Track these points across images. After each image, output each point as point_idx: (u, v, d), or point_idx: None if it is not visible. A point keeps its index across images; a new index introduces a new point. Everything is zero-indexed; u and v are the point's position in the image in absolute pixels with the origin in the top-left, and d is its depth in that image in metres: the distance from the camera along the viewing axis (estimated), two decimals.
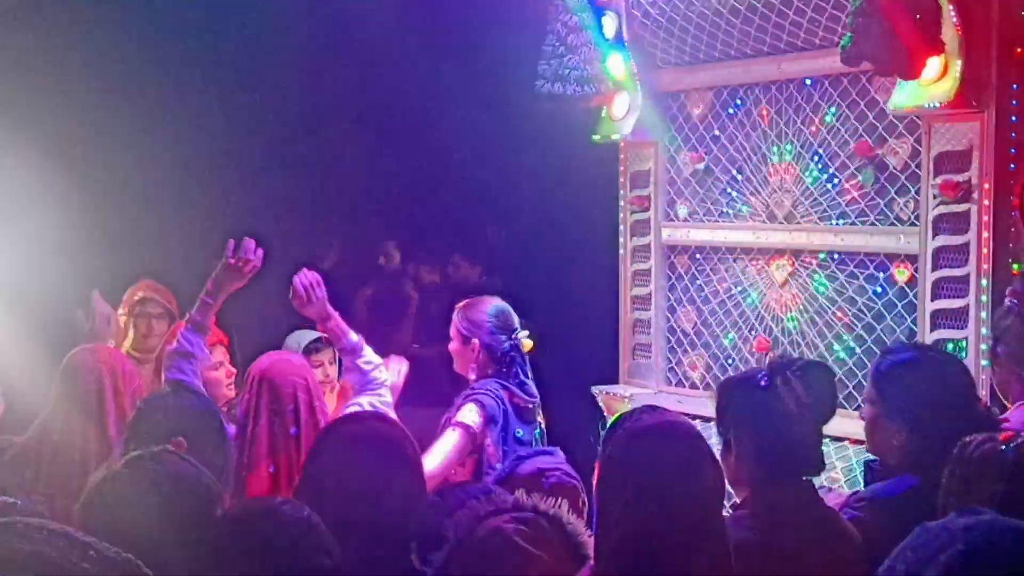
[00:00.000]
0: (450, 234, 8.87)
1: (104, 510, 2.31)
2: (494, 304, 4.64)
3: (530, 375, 4.59)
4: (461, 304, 4.67)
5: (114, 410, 3.95)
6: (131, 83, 7.58)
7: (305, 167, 8.79)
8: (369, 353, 4.41)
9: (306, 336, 4.88)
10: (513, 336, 4.56)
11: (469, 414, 4.33)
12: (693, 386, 5.69)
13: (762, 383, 2.76)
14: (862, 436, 3.40)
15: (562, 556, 2.39)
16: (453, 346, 4.63)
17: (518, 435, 4.45)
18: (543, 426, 4.62)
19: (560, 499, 2.51)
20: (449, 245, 8.81)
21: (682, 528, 2.26)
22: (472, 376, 4.56)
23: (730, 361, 5.51)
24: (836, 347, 5.10)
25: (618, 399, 5.76)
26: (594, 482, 2.43)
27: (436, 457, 4.22)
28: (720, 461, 2.82)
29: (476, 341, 4.52)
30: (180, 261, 7.42)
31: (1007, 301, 3.98)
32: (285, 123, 8.54)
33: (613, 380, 6.06)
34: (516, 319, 4.61)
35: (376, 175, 8.99)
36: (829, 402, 2.84)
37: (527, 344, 4.64)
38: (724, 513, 2.50)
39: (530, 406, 4.54)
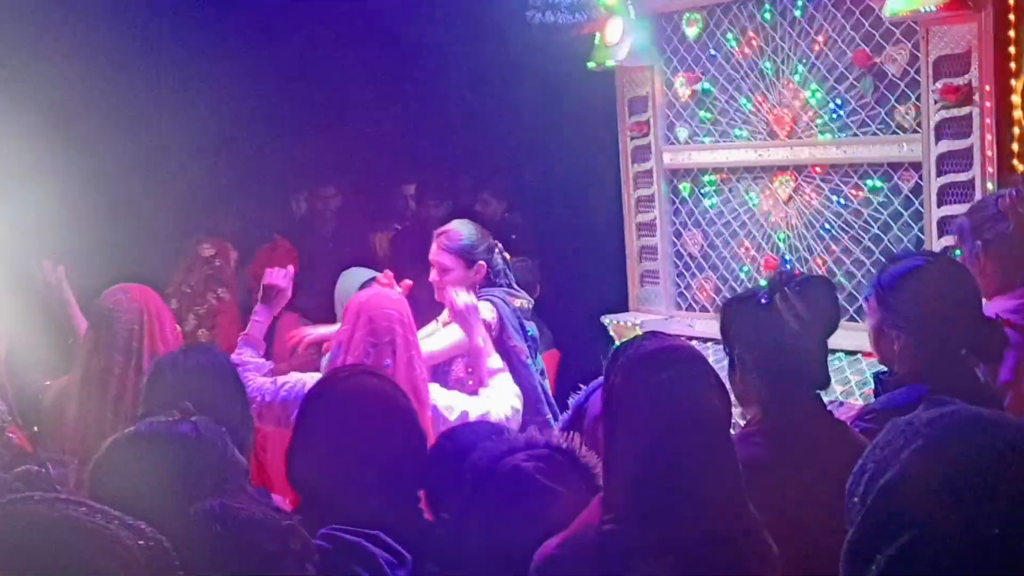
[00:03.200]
0: (455, 169, 8.85)
1: (111, 478, 2.29)
2: (471, 224, 4.81)
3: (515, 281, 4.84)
4: (440, 235, 4.75)
5: (148, 352, 3.87)
6: (132, 52, 7.52)
7: (304, 114, 8.73)
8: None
9: (362, 274, 4.94)
10: (499, 249, 4.77)
11: (485, 311, 4.50)
12: (704, 309, 5.68)
13: (763, 300, 2.75)
14: None
15: (579, 489, 2.40)
16: (453, 276, 4.65)
17: (531, 333, 4.67)
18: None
19: (573, 433, 2.52)
20: (455, 180, 8.80)
21: (690, 452, 2.25)
22: None
23: (739, 282, 5.50)
24: (845, 260, 5.08)
25: (629, 327, 5.75)
26: (599, 411, 2.43)
27: (446, 338, 4.47)
28: (728, 380, 2.83)
29: (482, 263, 4.67)
30: (182, 231, 7.44)
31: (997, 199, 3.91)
32: (284, 74, 8.47)
33: (623, 308, 6.05)
34: None
35: (373, 115, 8.93)
36: (831, 316, 2.82)
37: (507, 256, 4.87)
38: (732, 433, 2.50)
39: (530, 306, 4.77)
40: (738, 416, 2.90)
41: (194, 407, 2.53)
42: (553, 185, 8.09)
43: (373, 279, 4.86)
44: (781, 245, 5.31)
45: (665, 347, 2.37)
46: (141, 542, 1.72)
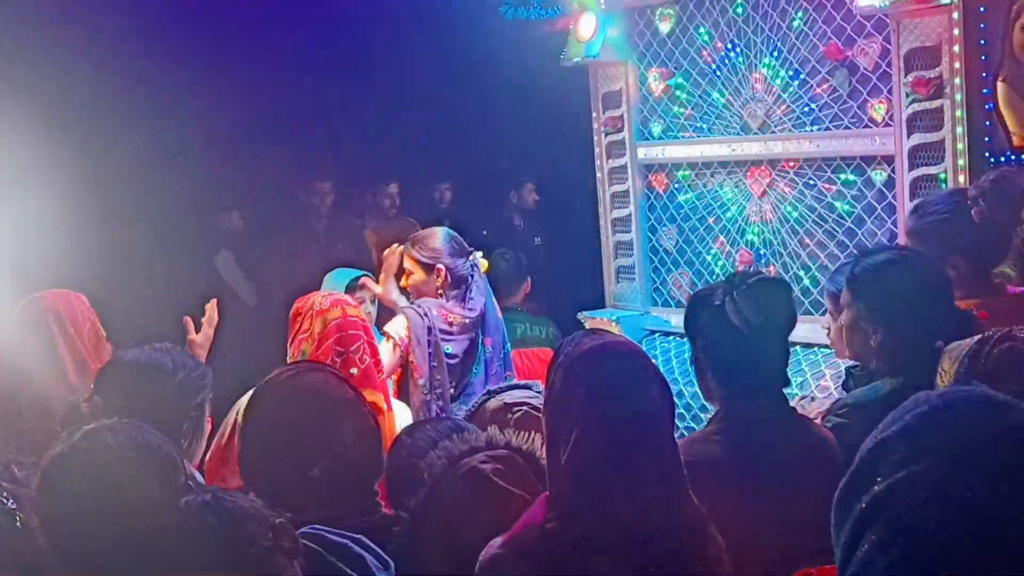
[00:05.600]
0: (431, 166, 8.83)
1: (63, 486, 2.25)
2: (444, 230, 4.85)
3: (479, 292, 4.75)
4: (409, 240, 4.84)
5: (69, 356, 3.86)
6: (131, 50, 7.47)
7: (287, 114, 8.69)
8: None
9: (347, 275, 4.93)
10: (470, 256, 4.75)
11: (397, 326, 4.57)
12: (680, 305, 5.65)
13: (716, 301, 2.73)
14: None
15: (539, 491, 2.37)
16: (414, 279, 4.76)
17: (447, 351, 4.63)
18: (488, 344, 4.79)
19: (534, 434, 2.49)
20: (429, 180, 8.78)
21: (627, 448, 2.23)
22: None
23: (714, 277, 5.47)
24: (819, 254, 5.06)
25: (605, 324, 5.73)
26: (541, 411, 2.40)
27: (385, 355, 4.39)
28: (694, 376, 2.81)
29: (441, 267, 4.68)
30: (182, 231, 7.42)
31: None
32: (271, 78, 8.44)
33: (600, 305, 6.03)
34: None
35: (353, 112, 8.89)
36: (785, 316, 2.80)
37: (484, 264, 4.85)
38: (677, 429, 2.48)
39: (466, 321, 4.67)
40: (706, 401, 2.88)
41: (137, 406, 2.50)
42: (528, 181, 8.07)
43: (358, 278, 4.87)
44: (755, 239, 5.30)
45: (602, 344, 2.35)
46: None
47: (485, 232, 7.90)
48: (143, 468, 2.27)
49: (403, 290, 4.88)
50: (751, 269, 4.34)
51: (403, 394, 4.59)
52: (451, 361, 4.62)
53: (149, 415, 2.58)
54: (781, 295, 2.80)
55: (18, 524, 2.42)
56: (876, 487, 1.36)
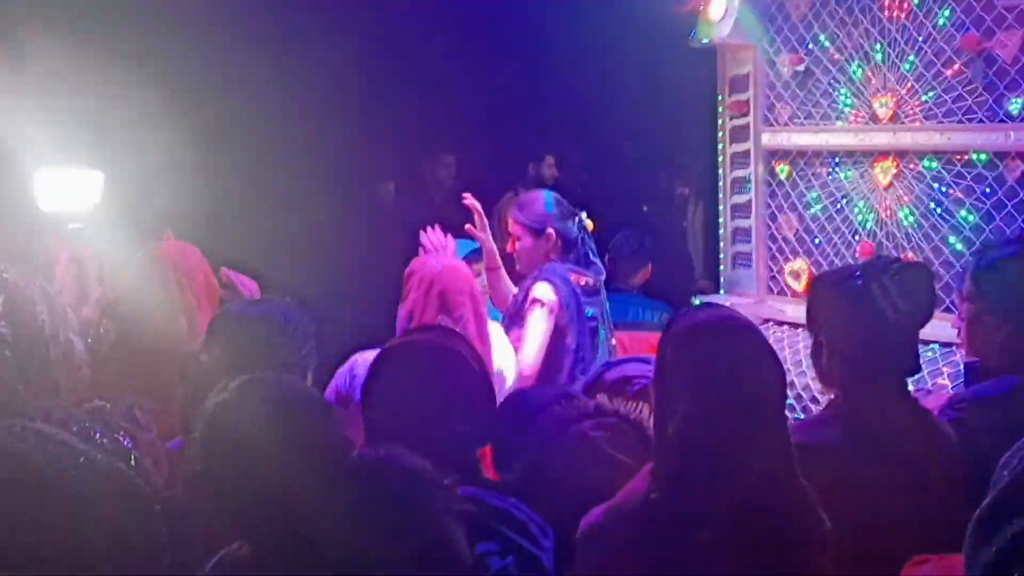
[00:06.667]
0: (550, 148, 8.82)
1: (222, 437, 2.26)
2: (548, 193, 4.82)
3: (595, 253, 4.77)
4: (515, 205, 4.83)
5: (181, 304, 3.95)
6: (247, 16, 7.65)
7: (410, 90, 8.79)
8: None
9: (465, 247, 4.99)
10: (577, 218, 4.73)
11: (545, 291, 4.52)
12: (795, 294, 5.58)
13: (858, 284, 2.66)
14: None
15: (645, 460, 2.37)
16: (523, 244, 4.72)
17: (588, 314, 4.62)
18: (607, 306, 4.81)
19: (642, 404, 2.49)
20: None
21: (736, 422, 2.21)
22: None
23: (833, 268, 5.38)
24: (943, 250, 4.94)
25: None
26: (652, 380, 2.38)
27: (533, 341, 4.41)
28: (812, 360, 2.77)
29: (551, 230, 4.65)
30: (291, 183, 7.60)
31: None
32: (390, 50, 8.55)
33: (715, 290, 5.99)
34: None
35: (476, 94, 8.93)
36: (927, 305, 2.74)
37: (589, 224, 4.81)
38: (790, 411, 2.45)
39: (595, 283, 4.69)
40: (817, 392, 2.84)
41: (248, 357, 2.53)
42: (650, 163, 8.03)
43: (474, 251, 4.90)
44: (879, 231, 5.19)
45: (716, 317, 2.33)
46: None
47: (645, 208, 7.96)
48: (308, 418, 2.28)
49: (508, 255, 4.88)
50: (890, 256, 4.23)
51: (551, 357, 4.55)
52: (592, 323, 4.62)
53: (260, 365, 2.62)
54: (928, 282, 2.74)
55: (132, 463, 2.48)
56: (1018, 523, 1.25)
